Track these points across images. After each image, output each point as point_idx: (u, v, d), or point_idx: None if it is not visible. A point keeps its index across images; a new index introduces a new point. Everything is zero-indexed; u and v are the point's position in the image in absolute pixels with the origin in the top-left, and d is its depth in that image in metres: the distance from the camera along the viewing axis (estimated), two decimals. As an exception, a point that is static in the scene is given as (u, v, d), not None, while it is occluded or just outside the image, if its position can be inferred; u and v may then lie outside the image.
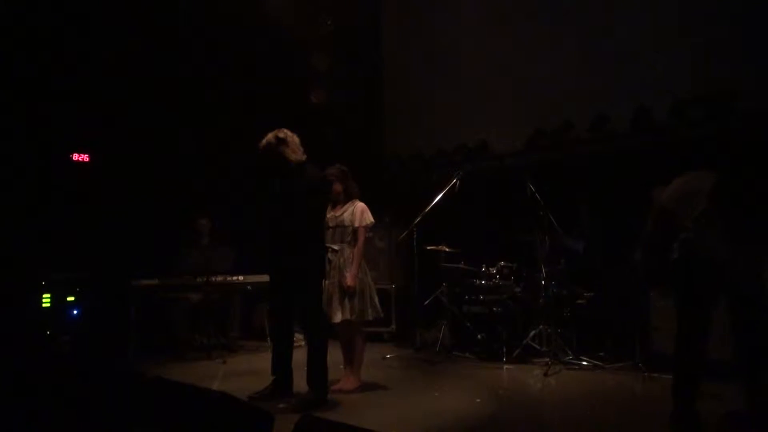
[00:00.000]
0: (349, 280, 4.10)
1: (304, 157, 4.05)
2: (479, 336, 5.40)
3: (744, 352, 3.10)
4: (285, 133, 4.02)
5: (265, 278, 4.47)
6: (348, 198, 4.31)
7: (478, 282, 5.61)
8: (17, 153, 5.72)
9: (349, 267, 4.14)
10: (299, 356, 4.07)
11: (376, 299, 4.27)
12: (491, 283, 5.55)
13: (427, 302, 5.85)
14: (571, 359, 4.94)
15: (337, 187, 4.26)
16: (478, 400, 3.99)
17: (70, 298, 5.65)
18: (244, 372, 5.03)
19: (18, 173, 5.70)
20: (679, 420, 3.03)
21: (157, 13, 6.31)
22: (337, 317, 4.16)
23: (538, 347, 5.23)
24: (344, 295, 4.12)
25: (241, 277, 5.82)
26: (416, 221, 5.59)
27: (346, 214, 4.24)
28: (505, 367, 5.02)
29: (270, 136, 4.00)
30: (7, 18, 5.59)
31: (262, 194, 4.26)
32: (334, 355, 4.53)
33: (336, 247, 4.21)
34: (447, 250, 5.73)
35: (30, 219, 5.69)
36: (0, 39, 5.57)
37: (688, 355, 3.07)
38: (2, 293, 5.23)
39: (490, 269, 5.61)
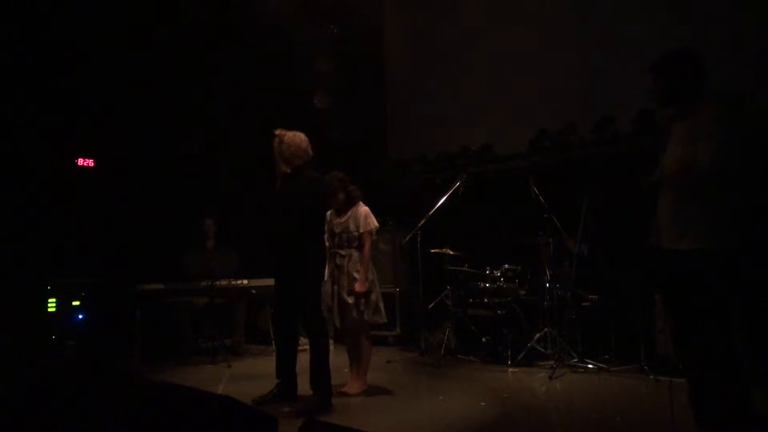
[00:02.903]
0: (358, 285, 4.11)
1: (301, 162, 4.03)
2: (484, 339, 5.39)
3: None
4: (280, 132, 4.03)
5: (270, 282, 4.49)
6: (351, 203, 4.32)
7: (482, 285, 5.61)
8: (22, 157, 5.75)
9: (356, 271, 4.15)
10: (304, 360, 4.07)
11: (382, 305, 4.28)
12: (495, 285, 5.54)
13: (431, 305, 5.85)
14: (576, 362, 4.92)
15: (340, 196, 4.27)
16: (483, 404, 3.98)
17: (76, 303, 5.68)
18: (249, 376, 5.04)
19: (23, 178, 5.73)
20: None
21: (160, 16, 6.33)
22: (346, 320, 4.16)
23: (543, 350, 5.22)
24: (354, 298, 4.12)
25: (245, 281, 5.83)
26: (420, 224, 5.59)
27: (350, 220, 4.25)
28: (510, 370, 5.01)
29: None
30: (9, 19, 5.63)
31: (262, 197, 4.28)
32: (340, 358, 4.54)
33: (343, 252, 4.22)
34: (451, 252, 5.72)
35: (35, 224, 5.72)
36: (2, 41, 5.61)
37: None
38: (8, 298, 5.26)
39: (495, 272, 5.61)
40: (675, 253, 2.78)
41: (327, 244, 4.30)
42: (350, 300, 4.13)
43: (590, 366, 4.84)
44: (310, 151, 4.09)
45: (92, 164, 6.33)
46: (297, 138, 4.04)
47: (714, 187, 2.73)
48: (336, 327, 4.34)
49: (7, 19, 5.64)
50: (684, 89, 2.89)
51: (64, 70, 5.99)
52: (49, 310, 5.50)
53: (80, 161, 6.26)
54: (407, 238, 5.74)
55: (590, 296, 5.22)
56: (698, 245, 2.71)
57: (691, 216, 2.74)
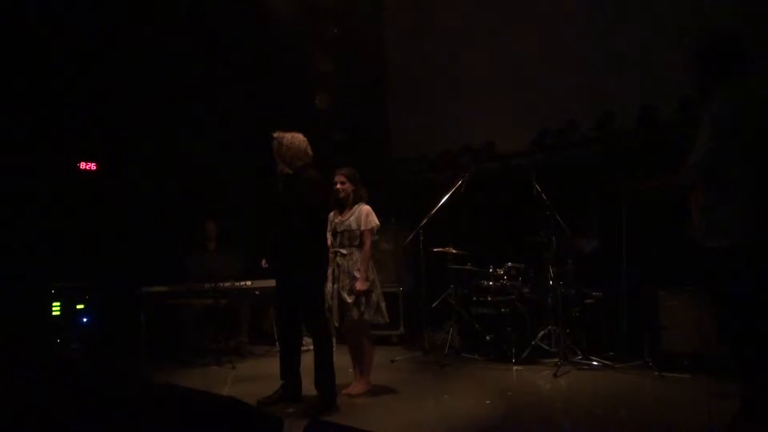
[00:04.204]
0: (358, 284, 4.11)
1: (302, 163, 4.03)
2: (488, 337, 5.38)
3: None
4: (279, 135, 4.03)
5: (273, 283, 4.49)
6: (355, 201, 4.32)
7: (485, 283, 5.60)
8: (25, 162, 5.77)
9: (357, 270, 4.15)
10: (308, 360, 4.08)
11: (383, 304, 4.27)
12: (499, 284, 5.53)
13: (435, 304, 5.84)
14: (581, 359, 4.91)
15: (347, 186, 4.27)
16: (488, 402, 3.98)
17: (80, 306, 5.69)
18: (253, 377, 5.05)
19: (27, 182, 5.74)
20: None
21: (162, 17, 6.34)
22: (347, 319, 4.17)
23: (547, 348, 5.21)
24: (354, 297, 4.13)
25: (249, 282, 5.82)
26: (422, 223, 5.59)
27: (352, 218, 4.25)
28: (515, 368, 5.00)
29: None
30: (10, 20, 5.64)
31: (263, 197, 4.28)
32: (344, 358, 4.54)
33: (344, 251, 4.22)
34: (454, 251, 5.71)
35: (39, 227, 5.73)
36: (3, 42, 5.62)
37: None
38: (13, 302, 5.27)
39: (498, 270, 5.60)
40: (706, 250, 2.78)
41: (329, 242, 4.31)
42: (350, 299, 4.13)
43: (595, 363, 4.84)
44: (310, 152, 4.09)
45: (94, 168, 6.35)
46: (296, 139, 4.04)
47: (713, 187, 2.71)
48: (336, 326, 4.34)
49: (8, 21, 5.66)
50: (700, 75, 2.85)
51: (66, 74, 6.01)
52: (54, 313, 5.51)
53: (82, 165, 6.28)
54: (410, 237, 5.73)
55: (594, 293, 5.21)
56: (719, 242, 2.70)
57: (713, 213, 2.73)
